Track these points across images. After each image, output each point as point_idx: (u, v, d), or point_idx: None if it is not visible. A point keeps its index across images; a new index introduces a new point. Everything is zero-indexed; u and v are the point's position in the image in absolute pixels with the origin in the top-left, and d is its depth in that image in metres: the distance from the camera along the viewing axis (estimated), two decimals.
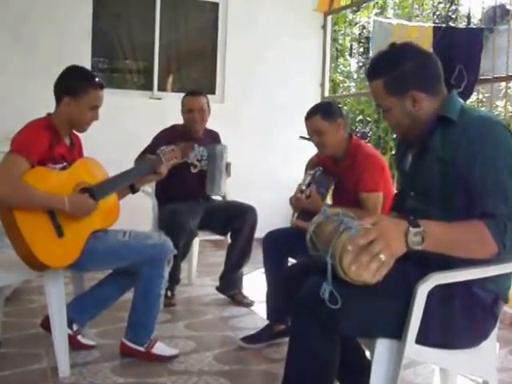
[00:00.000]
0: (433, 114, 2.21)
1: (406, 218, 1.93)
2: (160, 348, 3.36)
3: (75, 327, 3.35)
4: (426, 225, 1.90)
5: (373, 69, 2.27)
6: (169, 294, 4.42)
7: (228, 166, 4.61)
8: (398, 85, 2.19)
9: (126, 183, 3.42)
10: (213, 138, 4.85)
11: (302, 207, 3.57)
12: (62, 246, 2.97)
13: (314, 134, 3.62)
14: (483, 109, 8.07)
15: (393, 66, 2.19)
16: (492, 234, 1.92)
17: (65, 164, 3.13)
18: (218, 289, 4.70)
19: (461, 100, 2.27)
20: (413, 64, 2.18)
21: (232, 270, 4.64)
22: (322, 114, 3.57)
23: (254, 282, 4.99)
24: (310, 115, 3.62)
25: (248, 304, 4.54)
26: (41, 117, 3.16)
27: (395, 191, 2.80)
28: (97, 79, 3.27)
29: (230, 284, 4.66)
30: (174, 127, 4.78)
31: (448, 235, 1.95)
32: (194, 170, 4.52)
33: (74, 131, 3.32)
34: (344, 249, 1.89)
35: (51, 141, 3.05)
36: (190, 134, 4.69)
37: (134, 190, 3.51)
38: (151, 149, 4.24)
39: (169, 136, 4.55)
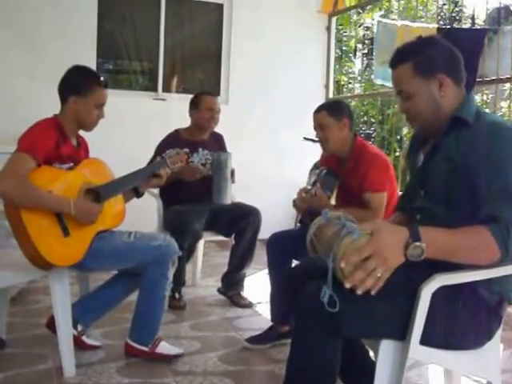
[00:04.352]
0: (452, 111, 2.22)
1: (408, 227, 1.93)
2: (164, 347, 3.37)
3: (80, 328, 3.36)
4: (427, 234, 1.91)
5: (401, 54, 2.27)
6: (176, 296, 4.43)
7: (233, 172, 4.59)
8: (428, 66, 2.21)
9: (133, 185, 3.43)
10: (217, 140, 4.85)
11: (308, 205, 3.58)
12: (67, 245, 2.98)
13: (319, 129, 3.66)
14: (487, 110, 8.05)
15: (424, 49, 2.24)
16: (495, 239, 1.92)
17: (71, 164, 3.14)
18: (219, 290, 4.71)
19: (475, 103, 2.29)
20: (442, 50, 2.24)
21: (233, 271, 4.65)
22: (330, 110, 3.62)
23: (259, 283, 5.01)
24: (318, 109, 3.68)
25: (246, 305, 4.53)
26: (48, 117, 3.17)
27: (400, 191, 2.79)
28: (101, 78, 3.29)
29: (230, 285, 4.66)
30: (176, 132, 4.76)
31: (450, 243, 1.96)
32: (198, 175, 4.50)
33: (81, 131, 3.33)
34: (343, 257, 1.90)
35: (58, 140, 3.07)
36: (195, 137, 4.69)
37: (138, 194, 3.52)
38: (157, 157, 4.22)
39: (172, 142, 4.54)
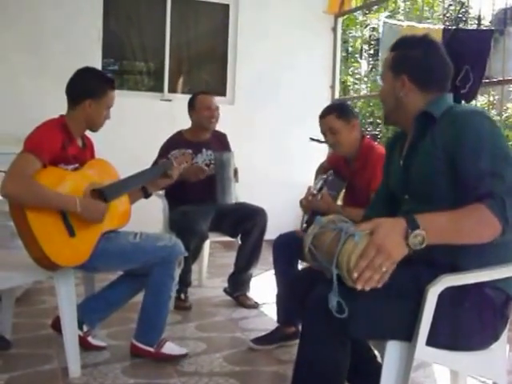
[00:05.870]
0: (416, 112, 2.28)
1: (405, 216, 1.92)
2: (169, 348, 3.36)
3: (85, 328, 3.36)
4: (425, 220, 1.90)
5: (394, 43, 2.39)
6: (182, 296, 4.43)
7: (236, 171, 4.59)
8: (398, 64, 2.33)
9: (137, 185, 3.44)
10: (220, 140, 4.83)
11: (313, 208, 3.56)
12: (73, 245, 2.98)
13: (329, 133, 3.58)
14: (493, 111, 8.04)
15: (404, 47, 2.35)
16: (493, 212, 1.91)
17: (77, 165, 3.14)
18: (226, 290, 4.71)
19: (451, 102, 2.31)
20: (420, 54, 2.30)
21: (240, 271, 4.65)
22: (338, 113, 3.56)
23: (265, 284, 5.00)
24: (325, 114, 3.61)
25: (251, 306, 4.53)
26: (54, 117, 3.17)
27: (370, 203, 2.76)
28: (113, 80, 3.33)
29: (236, 285, 4.66)
30: (179, 133, 4.76)
31: (450, 225, 1.95)
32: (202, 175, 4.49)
33: (87, 132, 3.33)
34: (349, 265, 1.89)
35: (64, 141, 3.07)
36: (198, 137, 4.68)
37: (146, 194, 3.52)
38: (161, 159, 4.23)
39: (176, 144, 4.56)
